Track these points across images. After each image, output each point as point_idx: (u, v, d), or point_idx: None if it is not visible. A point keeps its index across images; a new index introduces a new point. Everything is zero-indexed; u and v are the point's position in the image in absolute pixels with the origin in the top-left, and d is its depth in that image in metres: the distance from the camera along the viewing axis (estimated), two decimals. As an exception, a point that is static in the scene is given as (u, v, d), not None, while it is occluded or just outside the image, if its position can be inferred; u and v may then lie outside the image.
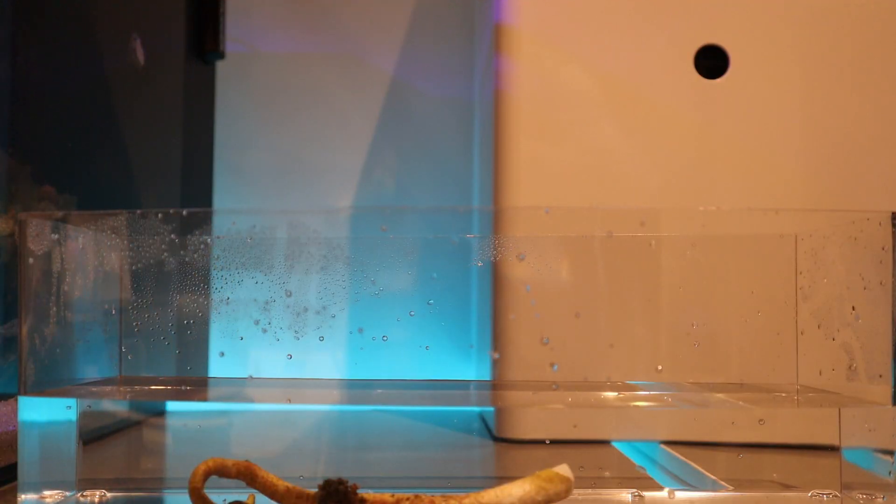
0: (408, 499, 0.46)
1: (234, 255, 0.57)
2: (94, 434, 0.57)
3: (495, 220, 0.77)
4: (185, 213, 0.57)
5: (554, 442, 0.62)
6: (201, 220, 0.57)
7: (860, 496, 0.55)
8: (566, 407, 0.57)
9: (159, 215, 0.56)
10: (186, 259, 0.57)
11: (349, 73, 1.19)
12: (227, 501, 0.49)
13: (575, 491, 0.48)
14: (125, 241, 0.57)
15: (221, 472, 0.47)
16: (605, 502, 0.56)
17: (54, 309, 0.55)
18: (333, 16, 1.20)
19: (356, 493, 0.46)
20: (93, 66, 0.85)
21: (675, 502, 0.57)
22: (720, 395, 0.58)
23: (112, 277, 0.58)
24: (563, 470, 0.47)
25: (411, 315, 0.57)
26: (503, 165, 0.84)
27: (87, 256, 0.57)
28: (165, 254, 0.57)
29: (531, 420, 0.73)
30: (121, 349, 0.59)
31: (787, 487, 0.58)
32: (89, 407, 0.56)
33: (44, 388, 0.54)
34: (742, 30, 0.83)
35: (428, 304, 0.57)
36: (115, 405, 0.63)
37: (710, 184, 0.81)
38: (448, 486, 0.60)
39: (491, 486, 0.46)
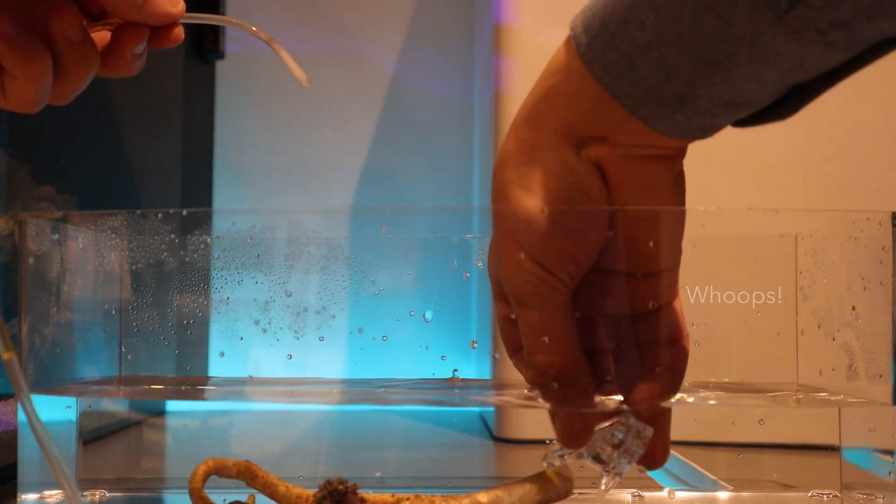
0: (408, 499, 0.46)
1: (234, 255, 0.57)
2: (94, 434, 0.57)
3: (495, 220, 0.77)
4: (185, 213, 0.57)
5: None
6: (201, 220, 0.57)
7: (860, 496, 0.55)
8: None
9: (159, 215, 0.56)
10: (186, 259, 0.57)
11: (349, 73, 1.19)
12: (227, 501, 0.49)
13: (575, 491, 0.48)
14: (125, 241, 0.57)
15: (221, 472, 0.47)
16: (605, 502, 0.56)
17: (54, 309, 0.55)
18: (333, 16, 1.20)
19: (356, 493, 0.46)
20: (93, 66, 0.85)
21: (675, 502, 0.57)
22: (720, 395, 0.58)
23: (112, 277, 0.58)
24: (563, 470, 0.47)
25: (411, 315, 0.57)
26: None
27: (87, 256, 0.57)
28: (165, 254, 0.57)
29: (531, 420, 0.73)
30: (121, 349, 0.59)
31: (787, 487, 0.58)
32: (89, 407, 0.56)
33: (44, 387, 0.54)
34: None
35: (428, 305, 0.57)
36: (115, 405, 0.63)
37: (710, 184, 0.81)
38: (448, 486, 0.60)
39: (491, 486, 0.46)
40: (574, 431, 0.43)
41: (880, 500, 0.54)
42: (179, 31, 0.46)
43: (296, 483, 0.47)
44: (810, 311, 0.58)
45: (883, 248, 0.53)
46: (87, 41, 0.42)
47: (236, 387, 0.59)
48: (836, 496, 0.56)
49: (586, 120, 0.39)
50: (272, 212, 0.65)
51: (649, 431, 0.43)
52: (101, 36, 0.45)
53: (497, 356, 0.59)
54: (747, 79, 0.36)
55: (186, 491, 0.46)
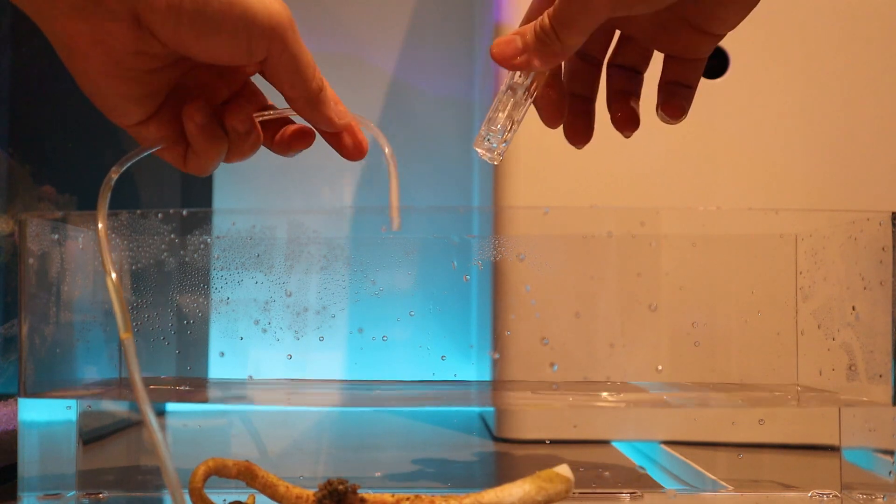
0: (408, 499, 0.46)
1: (234, 255, 0.57)
2: (94, 434, 0.57)
3: (495, 220, 0.77)
4: (185, 213, 0.57)
5: (554, 442, 0.62)
6: (201, 220, 0.57)
7: (860, 496, 0.55)
8: (566, 407, 0.57)
9: (159, 215, 0.56)
10: (186, 259, 0.57)
11: (349, 73, 1.19)
12: (227, 501, 0.49)
13: (575, 491, 0.48)
14: (125, 241, 0.57)
15: (221, 472, 0.47)
16: (606, 502, 0.56)
17: (54, 309, 0.55)
18: (333, 16, 1.20)
19: (356, 493, 0.46)
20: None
21: (675, 502, 0.57)
22: (720, 395, 0.59)
23: (112, 277, 0.58)
24: (563, 470, 0.47)
25: (411, 315, 0.57)
26: (503, 165, 0.84)
27: (87, 256, 0.57)
28: (165, 254, 0.57)
29: (531, 420, 0.73)
30: (121, 349, 0.59)
31: (787, 487, 0.58)
32: (89, 407, 0.56)
33: (44, 388, 0.54)
34: (742, 30, 0.83)
35: (428, 305, 0.57)
36: (115, 405, 0.63)
37: (710, 184, 0.81)
38: (448, 486, 0.60)
39: (491, 486, 0.46)
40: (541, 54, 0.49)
41: (880, 500, 0.54)
42: (312, 137, 0.54)
43: (296, 483, 0.47)
44: (810, 311, 0.58)
45: (883, 248, 0.53)
46: (254, 130, 0.51)
47: (236, 387, 0.59)
48: (836, 496, 0.56)
49: None
50: (272, 212, 0.65)
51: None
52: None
53: (497, 356, 0.59)
54: None
55: (186, 491, 0.46)
